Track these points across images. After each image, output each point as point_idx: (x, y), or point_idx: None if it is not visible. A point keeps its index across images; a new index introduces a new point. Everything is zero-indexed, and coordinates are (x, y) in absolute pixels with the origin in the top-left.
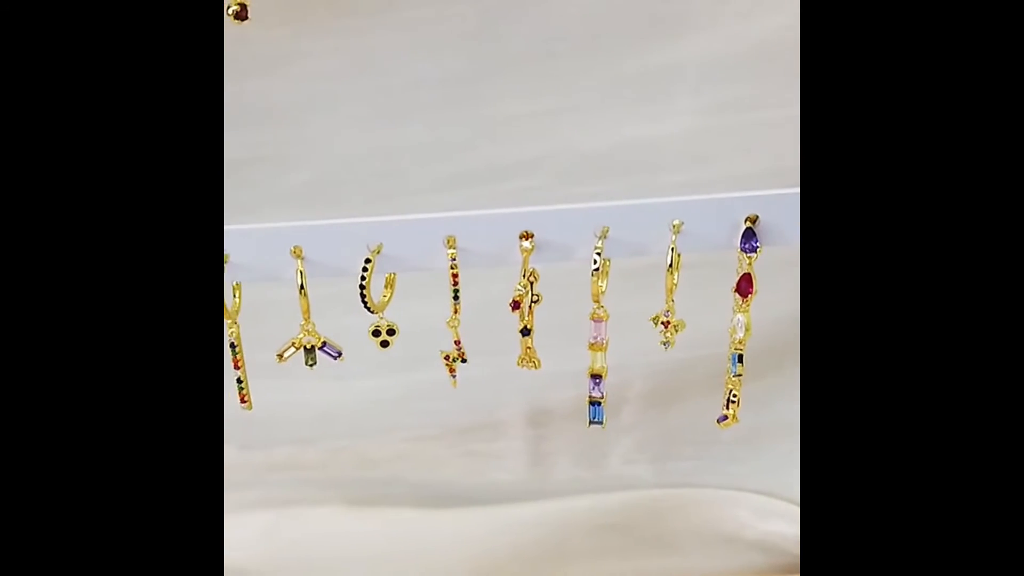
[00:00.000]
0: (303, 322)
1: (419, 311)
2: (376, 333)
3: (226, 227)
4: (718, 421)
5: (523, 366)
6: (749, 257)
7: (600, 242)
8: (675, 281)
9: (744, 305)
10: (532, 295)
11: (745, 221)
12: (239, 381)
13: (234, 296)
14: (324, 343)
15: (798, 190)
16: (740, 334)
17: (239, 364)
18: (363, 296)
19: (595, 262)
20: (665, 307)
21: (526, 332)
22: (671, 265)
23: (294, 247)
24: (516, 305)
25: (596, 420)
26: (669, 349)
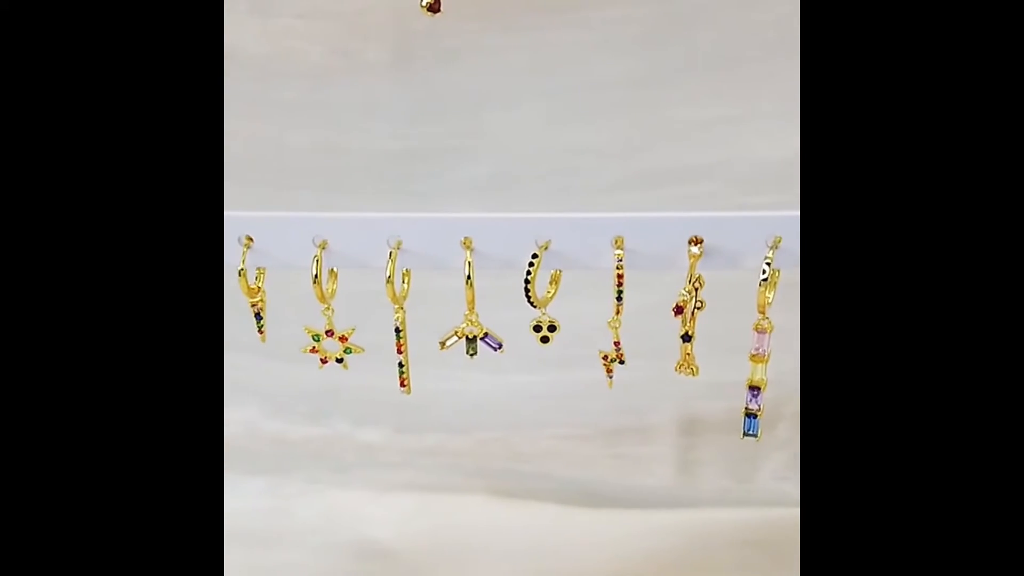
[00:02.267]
0: (467, 312)
1: (579, 310)
2: (537, 328)
3: (401, 215)
4: None
5: (681, 372)
6: None
7: (771, 252)
8: None
9: None
10: (696, 301)
11: None
12: (400, 365)
13: (403, 282)
14: (486, 334)
15: None
16: None
17: (402, 349)
18: (527, 291)
19: (764, 272)
20: None
21: (687, 338)
22: None
23: (465, 238)
24: (679, 310)
25: (751, 432)
26: None
